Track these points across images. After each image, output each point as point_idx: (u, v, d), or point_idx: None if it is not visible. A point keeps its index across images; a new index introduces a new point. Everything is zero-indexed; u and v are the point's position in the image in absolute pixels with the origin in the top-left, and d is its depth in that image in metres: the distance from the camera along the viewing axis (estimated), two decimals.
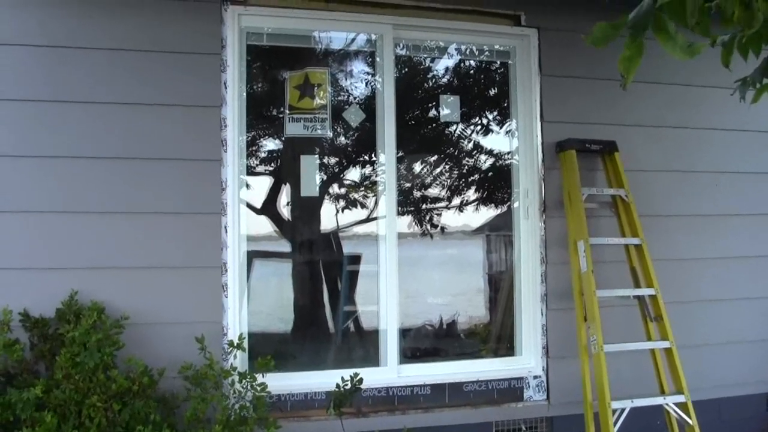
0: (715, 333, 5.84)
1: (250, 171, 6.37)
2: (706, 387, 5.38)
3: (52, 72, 4.63)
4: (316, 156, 6.64)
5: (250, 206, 5.25)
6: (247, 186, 5.09)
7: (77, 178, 4.61)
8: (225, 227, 4.82)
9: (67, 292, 4.45)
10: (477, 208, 7.89)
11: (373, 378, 4.84)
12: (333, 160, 7.31)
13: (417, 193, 7.87)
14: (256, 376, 4.41)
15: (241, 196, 4.98)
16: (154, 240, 4.69)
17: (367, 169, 7.22)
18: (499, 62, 6.01)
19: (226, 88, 4.88)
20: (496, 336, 6.27)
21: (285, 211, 7.28)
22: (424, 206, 7.97)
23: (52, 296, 4.43)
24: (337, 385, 4.62)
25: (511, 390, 5.41)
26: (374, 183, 6.61)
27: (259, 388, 4.37)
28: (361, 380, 4.60)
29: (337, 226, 7.73)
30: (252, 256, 5.08)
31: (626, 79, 2.77)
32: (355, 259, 7.45)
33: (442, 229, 8.14)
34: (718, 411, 5.78)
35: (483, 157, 7.44)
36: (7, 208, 4.53)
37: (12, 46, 4.58)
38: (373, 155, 6.01)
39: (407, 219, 7.68)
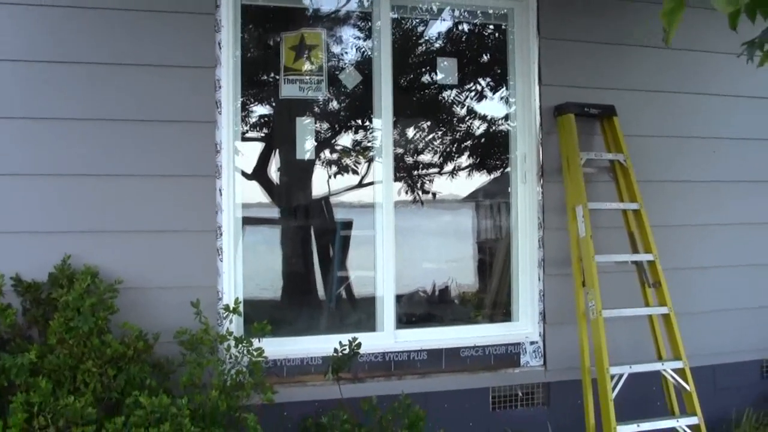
0: (711, 300, 5.83)
1: (244, 135, 6.28)
2: (701, 354, 5.37)
3: (44, 32, 4.52)
4: (312, 119, 6.57)
5: (244, 173, 5.17)
6: (238, 151, 5.00)
7: (68, 140, 4.51)
8: (219, 190, 4.74)
9: (59, 256, 4.37)
10: (472, 174, 7.86)
11: (369, 343, 4.80)
12: (328, 124, 7.24)
13: (412, 159, 7.81)
14: (252, 341, 4.37)
15: (235, 159, 4.90)
16: (147, 203, 4.61)
17: (363, 134, 7.16)
18: (497, 25, 5.94)
19: (220, 48, 4.79)
20: (491, 302, 6.24)
21: (277, 176, 7.21)
22: (418, 172, 7.92)
23: (45, 261, 4.35)
24: (335, 350, 4.59)
25: (507, 356, 5.39)
26: (369, 148, 6.56)
27: (255, 353, 4.32)
28: (359, 345, 4.57)
29: (329, 191, 7.69)
30: (244, 222, 5.00)
31: (669, 34, 2.70)
32: (349, 225, 7.42)
33: (434, 195, 8.10)
34: (713, 378, 5.78)
35: (480, 122, 7.40)
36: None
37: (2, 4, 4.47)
38: (368, 120, 5.95)
39: (402, 185, 7.63)
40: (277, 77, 5.39)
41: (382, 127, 5.28)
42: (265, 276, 6.92)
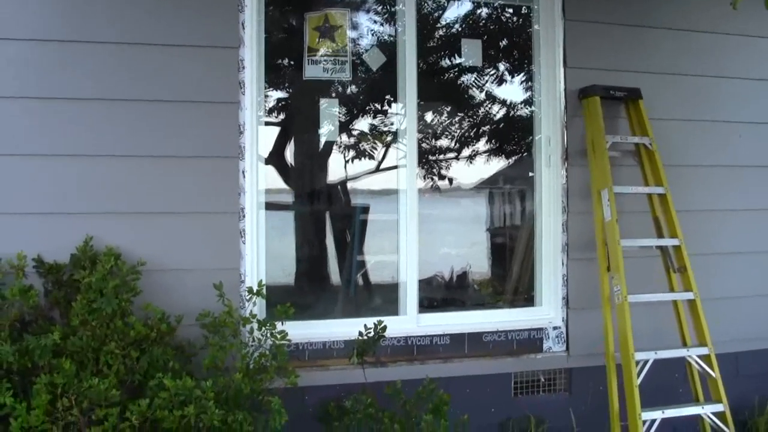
0: (734, 286, 5.77)
1: (267, 117, 6.24)
2: (724, 340, 5.30)
3: (62, 10, 4.48)
4: (334, 102, 6.52)
5: (266, 158, 5.13)
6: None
7: (91, 121, 4.48)
8: (243, 172, 4.70)
9: (81, 237, 4.34)
10: (494, 159, 7.79)
11: (392, 327, 4.74)
12: (350, 107, 7.18)
13: (433, 144, 7.75)
14: (276, 324, 4.33)
15: (259, 141, 4.86)
16: (170, 185, 4.58)
17: (386, 118, 7.11)
18: (521, 6, 5.86)
19: (243, 28, 4.74)
20: (513, 288, 6.20)
21: (296, 161, 7.17)
22: (440, 157, 7.86)
23: (66, 242, 4.32)
24: (360, 333, 4.56)
25: (530, 341, 5.35)
26: (393, 133, 6.51)
27: (279, 336, 4.29)
28: (384, 328, 4.54)
29: (346, 176, 7.65)
30: (266, 206, 4.95)
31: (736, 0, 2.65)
32: (366, 210, 7.38)
33: (450, 180, 8.05)
34: (736, 365, 5.71)
35: (502, 105, 7.33)
36: (20, 152, 4.40)
37: None
38: (391, 103, 5.93)
39: (422, 171, 7.57)
40: (301, 58, 5.33)
41: (406, 110, 5.22)
42: (283, 261, 6.90)
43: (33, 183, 4.40)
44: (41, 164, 4.41)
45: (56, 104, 4.43)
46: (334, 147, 7.28)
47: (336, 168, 7.47)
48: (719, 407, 4.95)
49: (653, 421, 4.73)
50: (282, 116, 7.00)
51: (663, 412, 4.78)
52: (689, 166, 5.64)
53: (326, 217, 7.66)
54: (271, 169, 6.79)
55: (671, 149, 5.50)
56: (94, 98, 4.48)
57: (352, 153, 7.45)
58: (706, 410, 4.95)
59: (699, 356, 5.02)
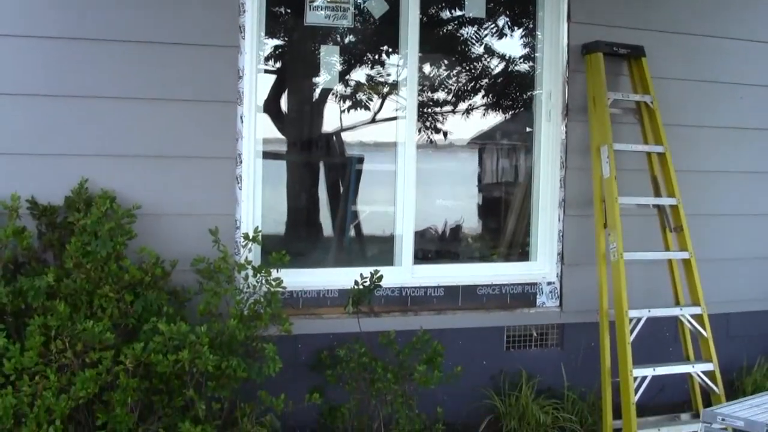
0: (728, 248, 5.79)
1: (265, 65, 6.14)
2: (716, 301, 5.32)
3: None
4: (334, 51, 6.43)
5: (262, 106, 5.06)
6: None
7: (86, 61, 4.39)
8: (241, 117, 4.65)
9: (75, 180, 4.28)
10: (493, 113, 7.73)
11: (386, 278, 4.69)
12: (351, 56, 7.08)
13: (434, 96, 7.68)
14: (271, 271, 4.31)
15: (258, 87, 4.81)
16: (166, 128, 4.52)
17: (385, 68, 7.03)
18: None
19: None
20: (508, 242, 6.18)
21: (292, 110, 7.10)
22: (438, 110, 7.79)
23: (60, 184, 4.27)
24: (356, 282, 4.55)
25: (524, 295, 5.36)
26: (393, 84, 6.45)
27: (274, 283, 4.27)
28: (380, 277, 4.54)
29: (341, 126, 7.59)
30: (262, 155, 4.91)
31: None
32: (361, 161, 7.35)
33: (445, 134, 8.00)
34: (726, 326, 5.75)
35: (502, 59, 7.25)
36: (13, 91, 4.32)
37: None
38: (392, 53, 5.85)
39: (420, 123, 7.51)
40: (302, 4, 5.24)
41: (407, 61, 5.17)
42: (278, 210, 6.87)
43: (26, 123, 4.33)
44: (35, 104, 4.34)
45: (50, 43, 4.34)
46: (332, 96, 7.20)
47: (332, 118, 7.41)
48: (709, 366, 4.99)
49: (644, 378, 4.76)
50: (280, 64, 6.91)
51: (654, 370, 4.81)
52: (690, 126, 5.62)
53: (321, 167, 7.62)
54: (266, 118, 6.73)
55: (672, 108, 5.46)
56: (91, 38, 4.39)
57: (349, 103, 7.38)
58: (696, 369, 5.00)
59: (692, 315, 5.05)
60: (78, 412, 3.82)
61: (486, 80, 7.64)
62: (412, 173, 5.19)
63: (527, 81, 5.69)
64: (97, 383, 3.66)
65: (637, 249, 5.02)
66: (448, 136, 7.91)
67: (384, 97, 7.21)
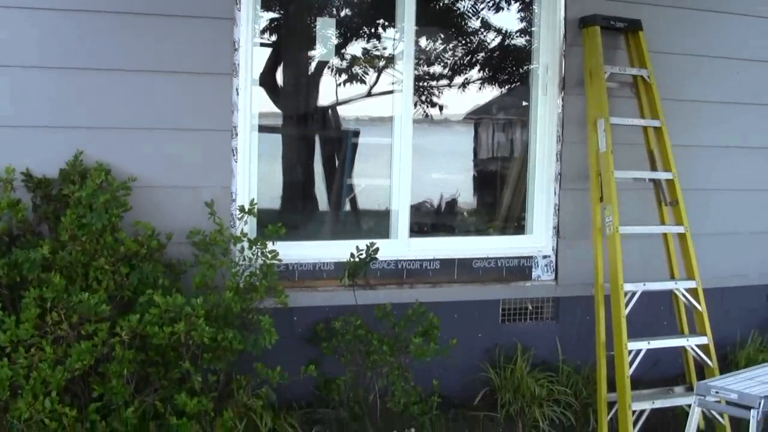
0: (723, 223, 5.81)
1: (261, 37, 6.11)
2: (710, 276, 5.32)
3: None
4: (329, 23, 6.40)
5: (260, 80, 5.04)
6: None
7: (81, 31, 4.35)
8: (236, 89, 4.62)
9: (70, 152, 4.25)
10: (488, 87, 7.73)
11: (382, 250, 4.69)
12: (347, 29, 7.05)
13: (429, 70, 7.66)
14: (266, 243, 4.31)
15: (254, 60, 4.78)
16: (162, 100, 4.49)
17: (380, 41, 7.00)
18: None
19: None
20: (504, 215, 6.19)
21: (292, 82, 7.08)
22: (434, 83, 7.77)
23: (55, 156, 4.24)
24: (352, 254, 4.55)
25: (519, 269, 5.37)
26: (389, 56, 6.41)
27: (270, 255, 4.27)
28: (377, 250, 4.54)
29: (337, 99, 7.58)
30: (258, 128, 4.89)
31: None
32: (357, 134, 7.34)
33: (441, 108, 7.99)
34: (720, 300, 5.74)
35: (498, 33, 7.22)
36: (7, 63, 4.26)
37: None
38: (388, 26, 5.82)
39: (416, 97, 7.50)
40: None
41: (404, 34, 5.13)
42: (273, 183, 6.86)
43: (22, 95, 4.29)
44: (29, 77, 4.29)
45: (44, 15, 4.28)
46: (328, 70, 7.18)
47: (328, 91, 7.39)
48: (703, 340, 5.00)
49: (639, 351, 4.78)
50: (276, 37, 6.87)
51: (649, 343, 4.83)
52: (686, 101, 5.60)
53: (316, 141, 7.61)
54: (261, 91, 6.71)
55: (669, 82, 5.45)
56: (86, 10, 4.34)
57: (345, 76, 7.36)
58: (690, 342, 5.01)
59: (686, 289, 5.05)
60: (74, 384, 3.83)
61: (482, 54, 7.63)
62: (409, 147, 5.17)
63: (524, 54, 5.68)
64: (93, 355, 3.67)
65: (633, 223, 5.02)
66: (445, 110, 7.91)
67: (380, 71, 7.20)
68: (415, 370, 4.61)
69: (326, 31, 6.33)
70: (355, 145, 7.19)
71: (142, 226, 4.11)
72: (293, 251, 4.76)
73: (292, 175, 7.26)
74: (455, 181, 7.96)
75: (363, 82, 7.41)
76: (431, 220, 7.29)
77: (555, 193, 5.37)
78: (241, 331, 4.08)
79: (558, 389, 5.06)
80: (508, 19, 6.96)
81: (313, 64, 7.14)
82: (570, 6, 5.29)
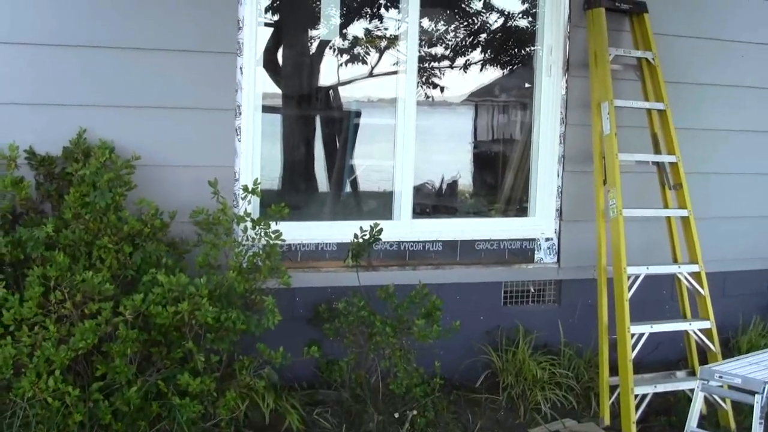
0: (727, 207, 5.79)
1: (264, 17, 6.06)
2: (712, 260, 5.31)
3: None
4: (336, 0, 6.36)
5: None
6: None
7: (86, 11, 4.32)
8: (240, 68, 4.60)
9: (74, 130, 4.23)
10: (490, 68, 7.70)
11: (385, 232, 4.67)
12: (350, 8, 7.01)
13: (432, 51, 7.63)
14: (270, 223, 4.30)
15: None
16: (166, 79, 4.46)
17: (386, 21, 6.97)
18: None
19: None
20: (506, 198, 6.17)
21: (294, 62, 7.04)
22: (437, 65, 7.74)
23: (58, 134, 4.22)
24: (355, 235, 4.54)
25: (522, 251, 5.37)
26: (392, 37, 6.38)
27: (273, 236, 4.26)
28: (380, 230, 4.53)
29: (339, 80, 7.56)
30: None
31: None
32: (359, 115, 7.32)
33: (442, 89, 7.96)
34: (723, 285, 5.74)
35: (505, 13, 7.19)
36: (11, 40, 4.24)
37: None
38: (390, 6, 5.78)
39: (419, 78, 7.48)
40: None
41: (408, 15, 5.09)
42: (276, 163, 6.85)
43: (24, 73, 4.27)
44: (34, 54, 4.27)
45: None
46: (330, 50, 7.15)
47: (330, 72, 7.37)
48: (706, 324, 5.00)
49: (641, 335, 4.76)
50: (278, 16, 6.83)
51: (651, 327, 4.82)
52: (691, 84, 5.58)
53: (318, 121, 7.59)
54: (263, 71, 6.68)
55: (674, 65, 5.42)
56: None
57: (347, 57, 7.33)
58: (693, 326, 5.01)
59: (689, 273, 5.04)
60: (77, 363, 3.82)
61: (486, 35, 7.60)
62: (412, 128, 5.15)
63: (527, 36, 5.64)
64: (96, 334, 3.66)
65: (637, 206, 5.00)
66: (447, 91, 7.88)
67: (382, 52, 7.16)
68: (417, 351, 4.61)
69: (330, 10, 6.28)
70: (356, 126, 7.18)
71: (145, 205, 4.08)
72: (296, 232, 4.75)
73: (294, 155, 7.24)
74: (457, 162, 7.95)
75: (365, 62, 7.37)
76: (433, 201, 7.27)
77: (558, 176, 5.35)
78: (244, 311, 4.08)
79: (560, 372, 5.06)
80: (512, 0, 6.92)
81: (315, 44, 7.10)
82: None
